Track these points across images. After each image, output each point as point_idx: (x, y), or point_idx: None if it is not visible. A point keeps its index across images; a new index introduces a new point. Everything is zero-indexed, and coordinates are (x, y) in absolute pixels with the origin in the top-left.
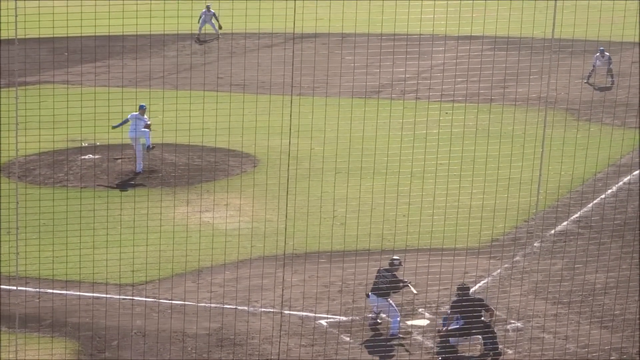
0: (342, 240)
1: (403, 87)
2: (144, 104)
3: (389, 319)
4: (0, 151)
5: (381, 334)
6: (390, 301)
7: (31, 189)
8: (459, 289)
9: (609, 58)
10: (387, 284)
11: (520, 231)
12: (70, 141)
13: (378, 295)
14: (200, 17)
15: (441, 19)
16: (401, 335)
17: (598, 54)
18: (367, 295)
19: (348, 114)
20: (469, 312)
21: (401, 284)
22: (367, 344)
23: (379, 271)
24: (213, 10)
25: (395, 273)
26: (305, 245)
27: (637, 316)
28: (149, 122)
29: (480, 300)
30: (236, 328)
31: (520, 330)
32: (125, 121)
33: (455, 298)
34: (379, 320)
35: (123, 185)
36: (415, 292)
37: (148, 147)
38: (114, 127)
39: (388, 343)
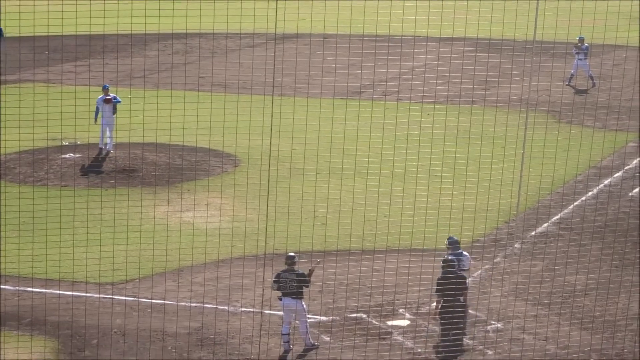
0: (323, 241)
1: (384, 88)
2: (107, 84)
3: (299, 325)
4: None
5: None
6: (304, 304)
7: (11, 188)
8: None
9: (587, 48)
10: (293, 282)
11: (500, 232)
12: (51, 140)
13: (293, 298)
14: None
15: (423, 21)
16: (317, 343)
17: (578, 43)
18: (280, 299)
19: (329, 115)
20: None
21: (307, 277)
22: (348, 344)
23: (277, 276)
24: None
25: (295, 269)
26: (286, 245)
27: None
28: (119, 100)
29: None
30: (216, 327)
31: (500, 331)
32: (98, 109)
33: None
34: (291, 346)
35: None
36: (317, 261)
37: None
38: (95, 122)
39: (306, 354)
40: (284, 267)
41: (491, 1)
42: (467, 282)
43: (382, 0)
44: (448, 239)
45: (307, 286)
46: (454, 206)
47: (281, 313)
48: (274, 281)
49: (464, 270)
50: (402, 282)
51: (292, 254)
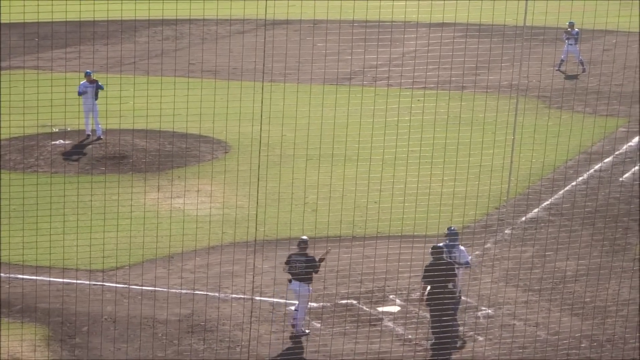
0: (314, 227)
1: (374, 74)
2: (89, 70)
3: (295, 310)
4: None
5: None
6: (310, 288)
7: (1, 174)
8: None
9: (577, 33)
10: (302, 267)
11: (491, 218)
12: (41, 126)
13: (300, 281)
14: None
15: (413, 6)
16: (307, 330)
17: (568, 28)
18: (289, 282)
19: (319, 101)
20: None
21: (317, 262)
22: (338, 330)
23: (289, 257)
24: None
25: (306, 253)
26: (277, 231)
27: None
28: (101, 85)
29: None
30: (207, 314)
31: (491, 317)
32: (81, 93)
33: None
34: (306, 331)
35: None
36: (329, 248)
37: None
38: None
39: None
40: (296, 251)
41: None
42: (458, 272)
43: None
44: (448, 228)
45: (315, 272)
46: (444, 192)
47: (272, 300)
48: (285, 263)
49: (459, 265)
50: (392, 269)
51: (304, 237)
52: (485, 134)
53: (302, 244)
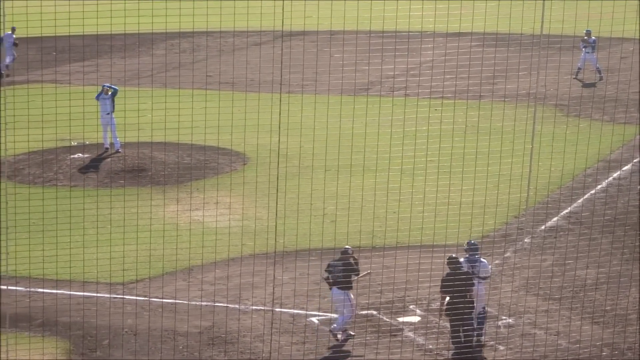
0: (333, 238)
1: (392, 84)
2: (106, 84)
3: (338, 316)
4: None
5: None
6: (352, 296)
7: (20, 189)
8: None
9: (594, 41)
10: (340, 272)
11: (510, 227)
12: (59, 140)
13: (341, 289)
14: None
15: (429, 16)
16: (351, 333)
17: (585, 37)
18: (330, 288)
19: (337, 112)
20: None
21: (356, 266)
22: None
23: (329, 265)
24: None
25: (345, 262)
26: (296, 242)
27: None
28: (116, 88)
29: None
30: (227, 326)
31: (511, 327)
32: (100, 96)
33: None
34: (352, 333)
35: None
36: (369, 272)
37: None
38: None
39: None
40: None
41: None
42: (480, 286)
43: None
44: (467, 242)
45: (356, 275)
46: (464, 202)
47: (292, 311)
48: (325, 270)
49: (480, 278)
50: (412, 279)
51: (348, 247)
52: (503, 143)
53: (345, 253)
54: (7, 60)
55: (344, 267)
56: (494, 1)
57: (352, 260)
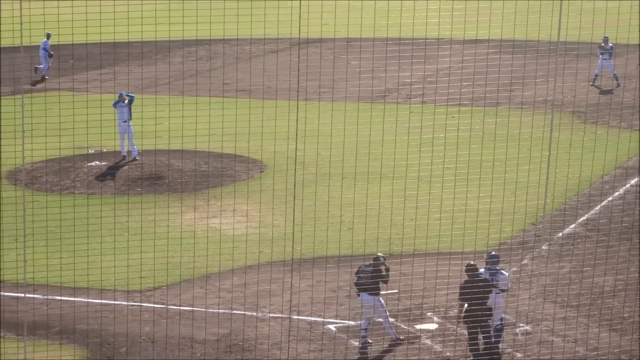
0: (350, 245)
1: (409, 91)
2: (123, 92)
3: (381, 320)
4: (7, 159)
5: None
6: (382, 300)
7: (38, 196)
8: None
9: (611, 48)
10: (370, 278)
11: (528, 234)
12: (77, 148)
13: (370, 294)
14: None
15: (446, 23)
16: (401, 337)
17: (602, 43)
18: (358, 295)
19: (354, 119)
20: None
21: (384, 272)
22: (377, 348)
23: (359, 269)
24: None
25: (375, 268)
26: (313, 250)
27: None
28: (132, 95)
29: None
30: (245, 334)
31: (529, 334)
32: (117, 103)
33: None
34: (369, 340)
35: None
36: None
37: (134, 158)
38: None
39: (391, 348)
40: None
41: (514, 2)
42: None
43: (406, 0)
44: (487, 253)
45: (385, 281)
46: (481, 209)
47: (310, 318)
48: (355, 274)
49: (501, 290)
50: (429, 286)
51: (380, 254)
52: (520, 150)
53: (376, 260)
54: (42, 66)
55: (374, 274)
56: (511, 8)
57: (382, 268)
